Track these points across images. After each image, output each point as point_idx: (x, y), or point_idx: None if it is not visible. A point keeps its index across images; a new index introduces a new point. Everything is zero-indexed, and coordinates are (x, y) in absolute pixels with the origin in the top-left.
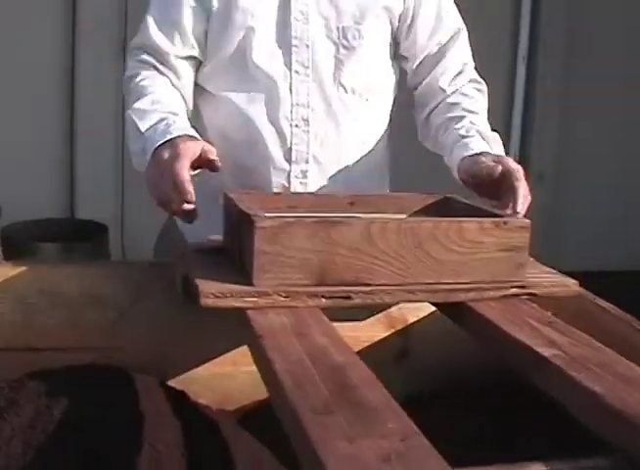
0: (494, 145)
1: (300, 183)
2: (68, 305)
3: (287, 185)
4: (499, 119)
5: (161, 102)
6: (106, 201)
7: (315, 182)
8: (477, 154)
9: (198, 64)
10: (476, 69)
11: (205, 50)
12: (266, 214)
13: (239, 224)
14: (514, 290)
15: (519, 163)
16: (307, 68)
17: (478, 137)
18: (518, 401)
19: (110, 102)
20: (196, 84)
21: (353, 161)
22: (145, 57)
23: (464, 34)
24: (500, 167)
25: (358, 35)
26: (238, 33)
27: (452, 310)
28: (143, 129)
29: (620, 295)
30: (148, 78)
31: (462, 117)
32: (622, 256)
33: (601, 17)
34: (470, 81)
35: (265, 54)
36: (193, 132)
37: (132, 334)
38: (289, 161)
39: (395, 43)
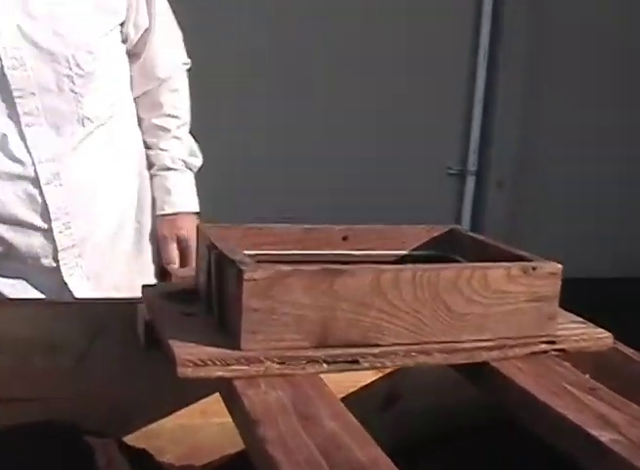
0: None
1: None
2: (15, 351)
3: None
4: (458, 127)
5: None
6: None
7: (79, 230)
8: None
9: None
10: None
11: None
12: (252, 259)
13: (219, 269)
14: (543, 346)
15: (478, 170)
16: (39, 116)
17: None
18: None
19: None
20: None
21: (114, 189)
22: None
23: None
24: None
25: (92, 58)
26: None
27: (472, 373)
28: None
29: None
30: None
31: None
32: (581, 262)
33: (562, 23)
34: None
35: None
36: None
37: (89, 383)
38: (47, 221)
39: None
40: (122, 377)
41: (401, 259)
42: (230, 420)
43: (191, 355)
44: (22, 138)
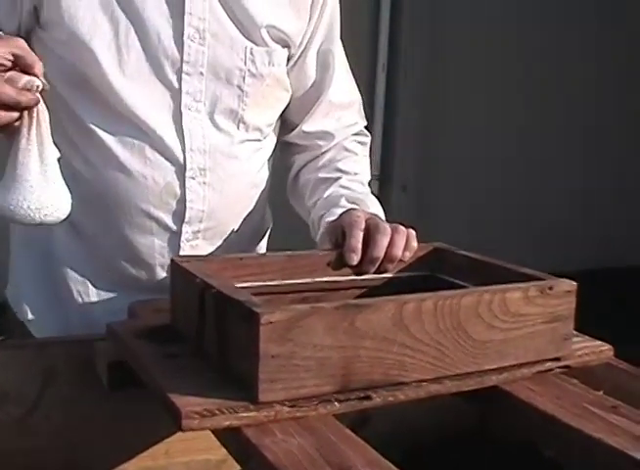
0: (364, 207)
1: (191, 247)
2: None
3: (173, 249)
4: None
5: None
6: None
7: (204, 243)
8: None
9: None
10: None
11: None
12: (262, 302)
13: (218, 311)
14: (548, 364)
15: (381, 174)
16: (200, 102)
17: (343, 202)
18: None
19: None
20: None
21: (248, 211)
22: None
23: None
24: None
25: (268, 61)
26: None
27: (482, 399)
28: None
29: None
30: None
31: (333, 181)
32: None
33: (462, 24)
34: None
35: (142, 83)
36: None
37: (44, 431)
38: (180, 221)
39: None
40: (80, 423)
41: (388, 283)
42: (195, 458)
43: (195, 406)
44: (178, 121)
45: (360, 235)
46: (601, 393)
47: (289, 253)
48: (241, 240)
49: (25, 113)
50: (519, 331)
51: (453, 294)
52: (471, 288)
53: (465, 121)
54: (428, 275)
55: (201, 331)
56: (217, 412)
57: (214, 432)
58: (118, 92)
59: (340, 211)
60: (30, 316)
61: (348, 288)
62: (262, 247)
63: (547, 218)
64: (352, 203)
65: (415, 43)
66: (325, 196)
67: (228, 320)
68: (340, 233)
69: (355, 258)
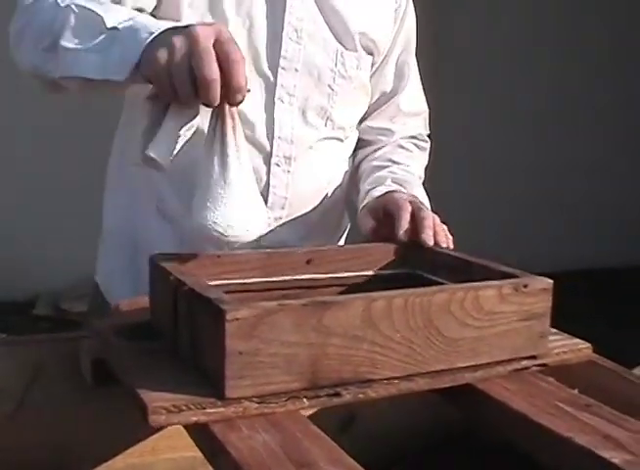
0: (409, 189)
1: (273, 234)
2: None
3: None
4: None
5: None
6: None
7: (285, 230)
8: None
9: None
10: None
11: None
12: (227, 294)
13: (190, 308)
14: (524, 362)
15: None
16: (293, 96)
17: (389, 182)
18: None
19: None
20: None
21: (326, 204)
22: None
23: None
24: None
25: (357, 65)
26: None
27: (457, 397)
28: (114, 23)
29: None
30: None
31: (383, 168)
32: None
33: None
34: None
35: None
36: None
37: (30, 427)
38: None
39: None
40: (67, 419)
41: (368, 281)
42: (183, 454)
43: (163, 401)
44: (270, 111)
45: (408, 217)
46: (575, 391)
47: (269, 250)
48: (320, 233)
49: (228, 115)
50: (493, 329)
51: (424, 291)
52: (443, 285)
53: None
54: (410, 273)
55: (174, 328)
56: (184, 408)
57: (186, 428)
58: None
59: (385, 189)
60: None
61: (329, 286)
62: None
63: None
64: (398, 184)
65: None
66: (373, 176)
67: (198, 317)
68: (381, 212)
69: (431, 240)
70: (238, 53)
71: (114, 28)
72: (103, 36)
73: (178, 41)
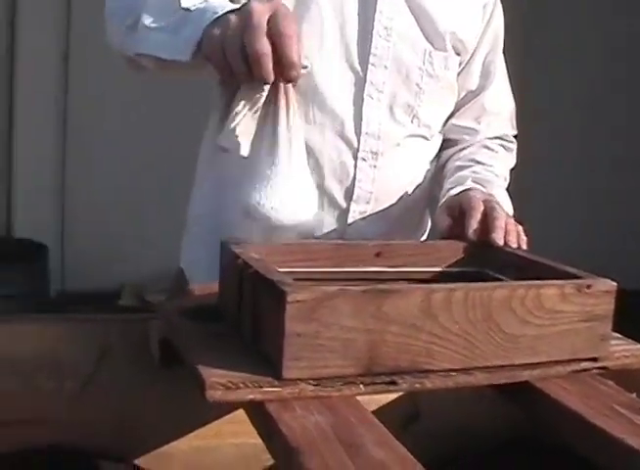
0: (489, 188)
1: (356, 228)
2: (19, 372)
3: (341, 227)
4: None
5: None
6: (46, 218)
7: (367, 225)
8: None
9: None
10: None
11: None
12: (294, 280)
13: (253, 289)
14: (585, 364)
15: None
16: (381, 92)
17: (469, 181)
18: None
19: (50, 113)
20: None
21: (408, 202)
22: None
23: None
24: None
25: (445, 65)
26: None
27: (515, 394)
28: (188, 4)
29: None
30: None
31: (466, 168)
32: None
33: None
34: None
35: (333, 69)
36: None
37: (96, 405)
38: (348, 199)
39: None
40: (132, 399)
41: (436, 277)
42: (246, 441)
43: (220, 377)
44: (359, 106)
45: (479, 216)
46: (634, 395)
47: (338, 241)
48: (400, 230)
49: (282, 93)
50: (554, 328)
51: (485, 286)
52: (504, 282)
53: None
54: (477, 271)
55: (238, 311)
56: (242, 386)
57: (243, 407)
58: (314, 74)
59: (463, 188)
60: None
61: (396, 279)
62: None
63: None
64: (478, 183)
65: None
66: (456, 175)
67: (261, 299)
68: (457, 210)
69: (501, 240)
70: (291, 28)
71: (187, 9)
72: (176, 17)
73: (233, 18)
